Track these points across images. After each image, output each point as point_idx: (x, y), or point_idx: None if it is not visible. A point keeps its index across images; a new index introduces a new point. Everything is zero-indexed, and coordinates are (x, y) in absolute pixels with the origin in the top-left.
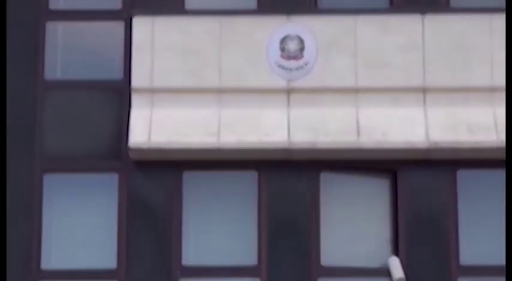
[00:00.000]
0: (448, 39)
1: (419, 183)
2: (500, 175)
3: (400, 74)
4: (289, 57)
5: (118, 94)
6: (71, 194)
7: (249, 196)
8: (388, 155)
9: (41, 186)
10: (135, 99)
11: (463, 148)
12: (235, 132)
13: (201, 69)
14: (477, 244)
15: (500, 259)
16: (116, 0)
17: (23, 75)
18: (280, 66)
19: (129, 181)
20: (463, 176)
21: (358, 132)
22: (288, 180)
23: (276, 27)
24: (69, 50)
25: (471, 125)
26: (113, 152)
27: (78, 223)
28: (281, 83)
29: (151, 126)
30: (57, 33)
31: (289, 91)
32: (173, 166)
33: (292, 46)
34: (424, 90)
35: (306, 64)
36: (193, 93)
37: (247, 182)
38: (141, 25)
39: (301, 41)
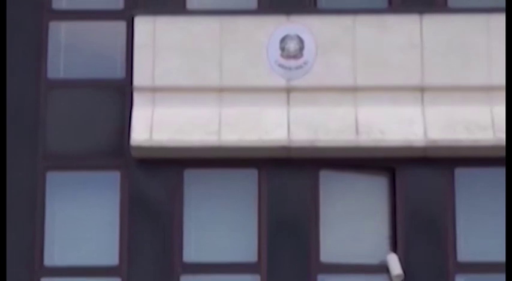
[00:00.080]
0: (446, 38)
1: (417, 181)
2: (497, 173)
3: (398, 73)
4: (289, 57)
5: (120, 93)
6: (74, 192)
7: (249, 193)
8: (387, 153)
9: (43, 184)
10: (137, 98)
11: (461, 146)
12: (235, 130)
13: (202, 68)
14: (474, 241)
15: (497, 256)
16: (118, 0)
17: (26, 75)
18: (280, 66)
19: (130, 178)
20: (461, 174)
21: (357, 131)
22: (288, 178)
23: (275, 27)
24: (71, 49)
25: (469, 124)
26: (114, 150)
27: (81, 220)
28: (281, 82)
29: (152, 125)
30: (60, 32)
31: (289, 90)
32: (174, 164)
33: (292, 46)
34: (422, 90)
35: (305, 63)
36: (194, 92)
37: (248, 179)
38: (143, 25)
39: (300, 40)
